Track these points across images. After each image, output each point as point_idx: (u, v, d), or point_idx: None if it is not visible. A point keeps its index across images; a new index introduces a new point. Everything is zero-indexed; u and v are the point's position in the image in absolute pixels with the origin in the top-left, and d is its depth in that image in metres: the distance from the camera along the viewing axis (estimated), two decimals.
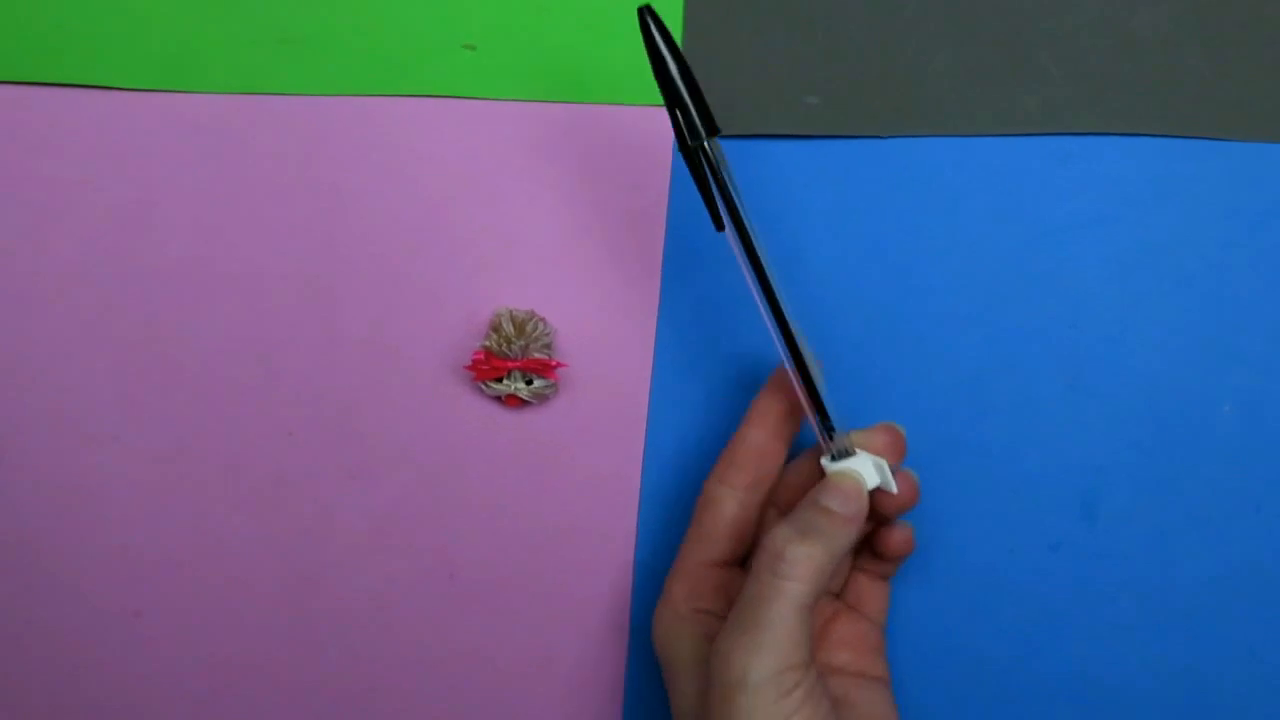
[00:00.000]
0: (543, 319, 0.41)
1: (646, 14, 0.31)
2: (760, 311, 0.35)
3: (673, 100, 0.32)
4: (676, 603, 0.38)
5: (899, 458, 0.37)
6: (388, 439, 0.42)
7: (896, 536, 0.39)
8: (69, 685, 0.44)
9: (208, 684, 0.44)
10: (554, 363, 0.40)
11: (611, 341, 0.42)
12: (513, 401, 0.41)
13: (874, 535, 0.39)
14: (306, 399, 0.43)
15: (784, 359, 0.35)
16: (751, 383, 0.42)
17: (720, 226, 0.33)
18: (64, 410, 0.43)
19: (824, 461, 0.36)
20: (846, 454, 0.36)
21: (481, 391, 0.41)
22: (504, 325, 0.40)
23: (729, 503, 0.38)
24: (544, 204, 0.42)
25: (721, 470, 0.38)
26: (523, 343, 0.40)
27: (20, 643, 0.44)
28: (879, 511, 0.38)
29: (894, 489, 0.36)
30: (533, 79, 0.42)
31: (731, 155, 0.41)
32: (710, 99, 0.41)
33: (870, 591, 0.40)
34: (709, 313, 0.42)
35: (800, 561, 0.33)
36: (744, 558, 0.39)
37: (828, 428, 0.36)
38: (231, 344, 0.43)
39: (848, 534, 0.35)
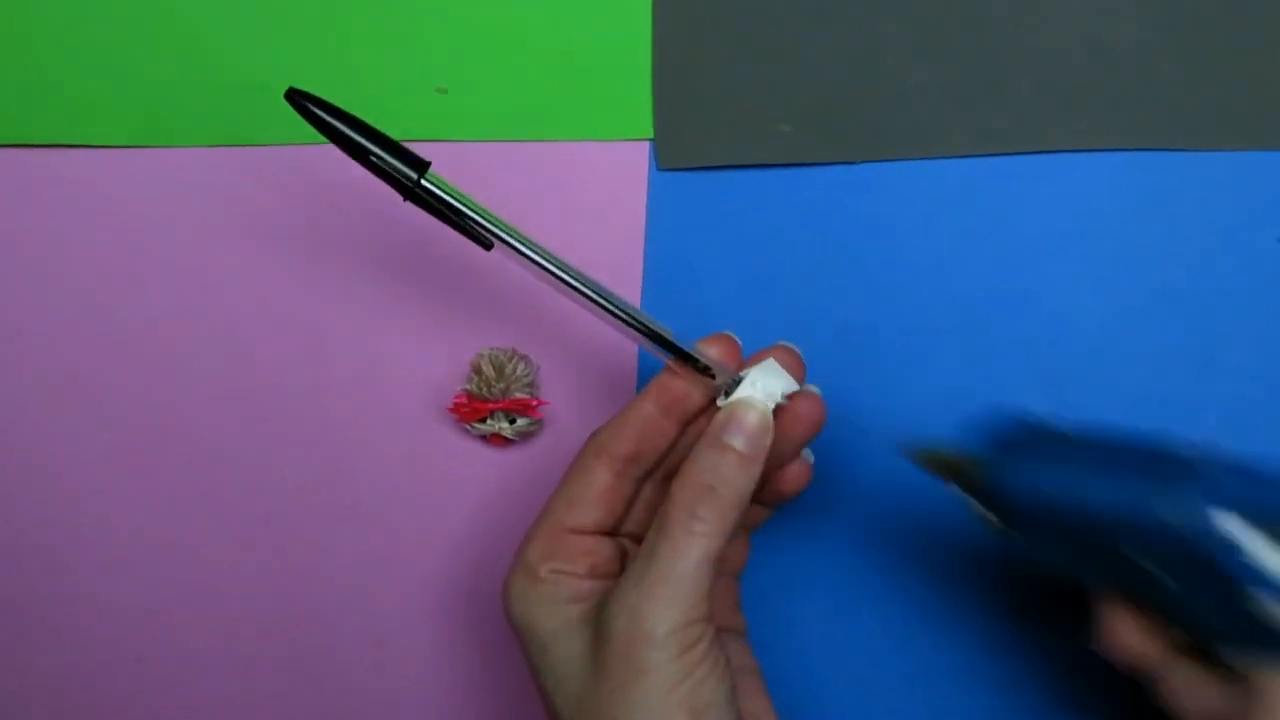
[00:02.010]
0: (524, 357, 0.41)
1: (296, 96, 0.30)
2: (581, 307, 0.34)
3: (367, 159, 0.30)
4: (532, 565, 0.35)
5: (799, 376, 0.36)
6: (377, 480, 0.43)
7: (793, 470, 0.36)
8: None
9: None
10: (535, 401, 0.41)
11: (594, 376, 0.42)
12: (497, 441, 0.41)
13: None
14: (296, 443, 0.43)
15: (621, 328, 0.34)
16: None
17: (488, 246, 0.32)
18: (56, 463, 0.44)
19: (719, 402, 0.35)
20: (736, 384, 0.34)
21: (467, 432, 0.41)
22: (484, 368, 0.40)
23: (602, 471, 0.35)
24: None
25: (603, 437, 0.36)
26: (503, 385, 0.40)
27: (25, 693, 0.44)
28: (776, 445, 0.35)
29: (795, 387, 0.34)
30: (505, 119, 0.42)
31: (704, 187, 0.42)
32: (682, 131, 0.42)
33: (733, 545, 0.38)
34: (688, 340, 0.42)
35: (712, 516, 0.32)
36: (610, 529, 0.36)
37: (702, 369, 0.34)
38: (220, 392, 0.43)
39: (754, 473, 0.33)
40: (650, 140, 0.42)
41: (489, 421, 0.41)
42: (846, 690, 0.42)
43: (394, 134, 0.42)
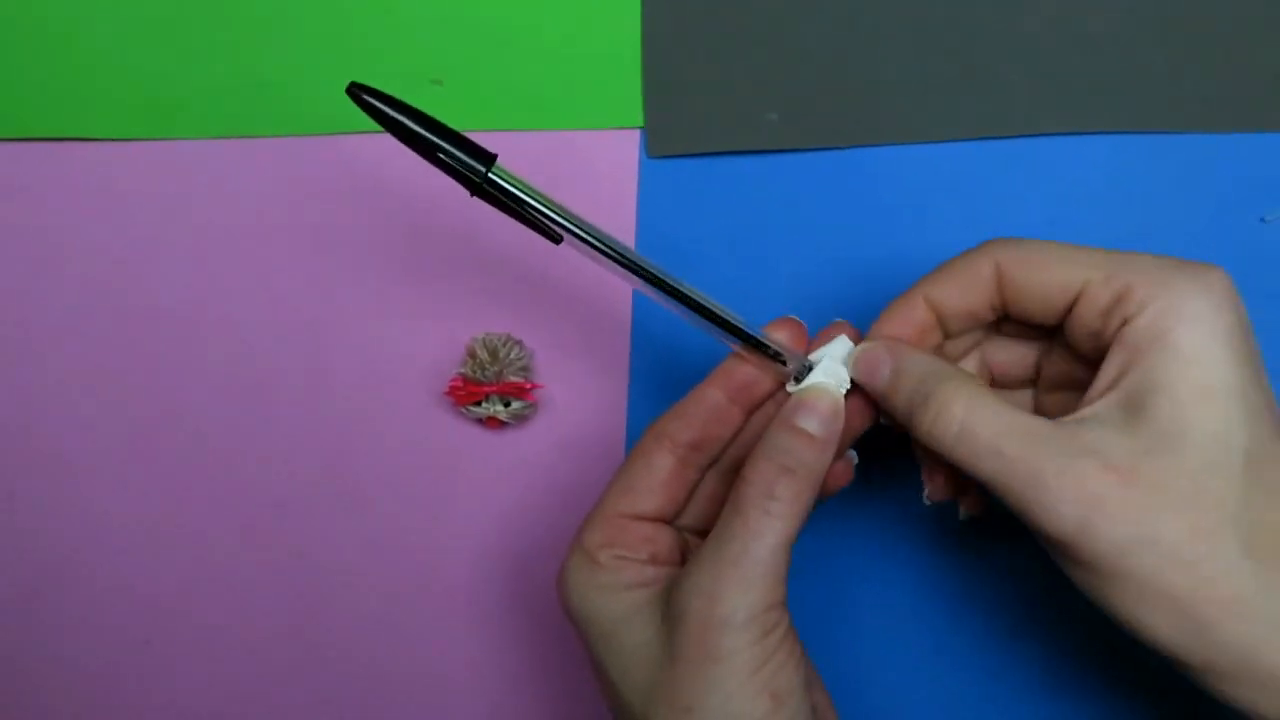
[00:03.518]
0: (519, 342, 0.42)
1: (358, 91, 0.29)
2: (649, 295, 0.33)
3: (434, 155, 0.29)
4: (592, 551, 0.34)
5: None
6: (377, 464, 0.44)
7: (838, 467, 0.36)
8: (87, 713, 0.46)
9: (217, 706, 0.45)
10: (529, 385, 0.42)
11: (588, 360, 0.43)
12: (493, 423, 0.42)
13: None
14: (299, 428, 0.44)
15: (701, 325, 0.34)
16: None
17: (557, 240, 0.32)
18: (68, 453, 0.45)
19: (789, 388, 0.35)
20: (808, 371, 0.34)
21: (463, 414, 0.42)
22: (479, 351, 0.41)
23: (664, 458, 0.35)
24: (516, 229, 0.43)
25: (665, 423, 0.35)
26: (497, 368, 0.41)
27: (37, 674, 0.45)
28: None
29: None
30: (500, 110, 0.43)
31: (694, 174, 0.43)
32: (672, 119, 0.42)
33: None
34: (681, 327, 0.43)
35: (788, 497, 0.32)
36: (669, 518, 0.36)
37: (772, 355, 0.34)
38: (223, 379, 0.44)
39: (827, 458, 0.33)
40: (641, 128, 0.42)
41: (484, 404, 0.42)
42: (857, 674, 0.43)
43: None
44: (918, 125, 0.42)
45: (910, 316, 0.34)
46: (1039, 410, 0.36)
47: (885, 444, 0.37)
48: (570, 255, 0.43)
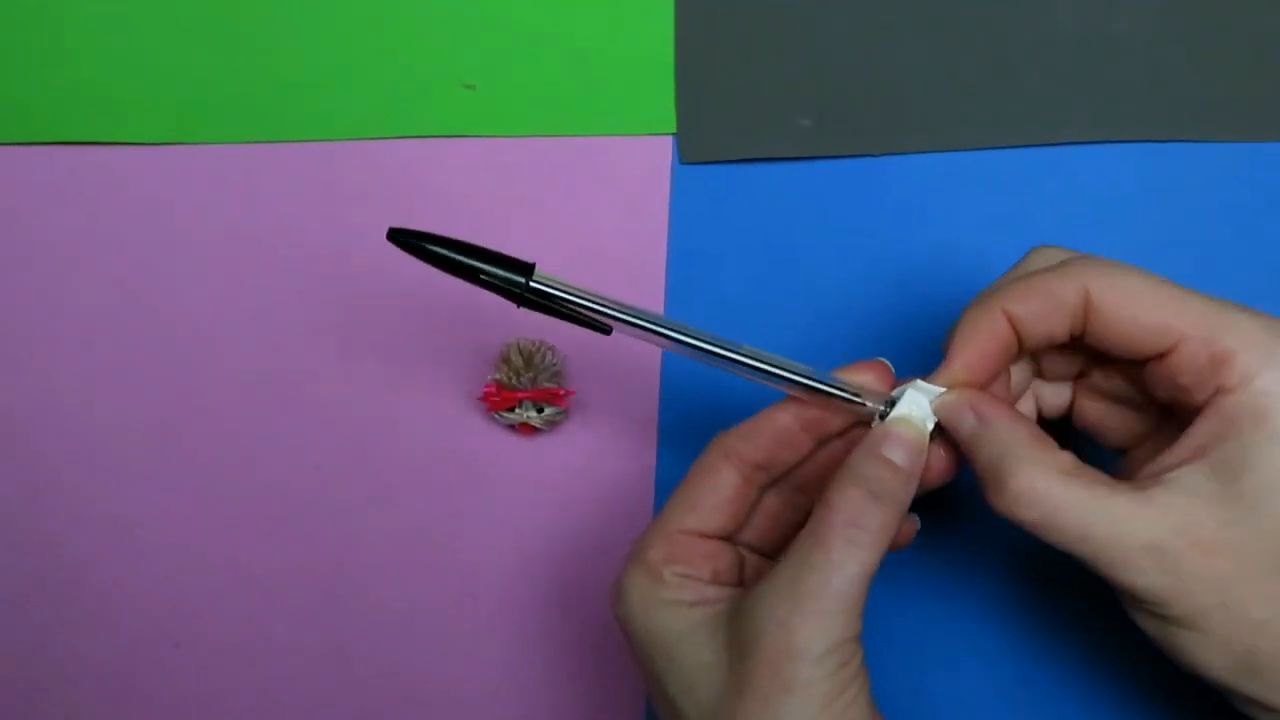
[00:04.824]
0: (551, 348, 0.42)
1: (397, 235, 0.31)
2: (720, 367, 0.34)
3: (477, 278, 0.31)
4: (655, 566, 0.34)
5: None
6: (409, 468, 0.44)
7: (903, 526, 0.34)
8: (114, 714, 0.46)
9: (244, 709, 0.45)
10: (562, 391, 0.42)
11: (620, 365, 0.43)
12: (526, 429, 0.42)
13: None
14: (328, 431, 0.44)
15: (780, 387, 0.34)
16: (759, 399, 0.43)
17: (607, 330, 0.32)
18: (97, 449, 0.45)
19: (875, 425, 0.34)
20: (892, 404, 0.34)
21: (496, 420, 0.42)
22: (513, 357, 0.41)
23: (730, 475, 0.35)
24: (548, 234, 0.43)
25: (733, 441, 0.35)
26: (531, 374, 0.41)
27: (62, 674, 0.45)
28: None
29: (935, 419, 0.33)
30: (531, 115, 0.43)
31: (727, 180, 0.43)
32: (704, 125, 0.42)
33: None
34: (712, 330, 0.43)
35: (874, 526, 0.31)
36: (732, 534, 0.36)
37: (851, 399, 0.33)
38: (252, 382, 0.44)
39: (911, 490, 0.32)
40: (673, 135, 0.43)
41: (517, 410, 0.42)
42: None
43: (423, 129, 0.43)
44: (949, 132, 0.42)
45: (993, 330, 0.33)
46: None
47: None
48: (604, 259, 0.43)
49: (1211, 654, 0.30)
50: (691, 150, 0.43)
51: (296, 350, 0.44)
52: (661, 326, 0.32)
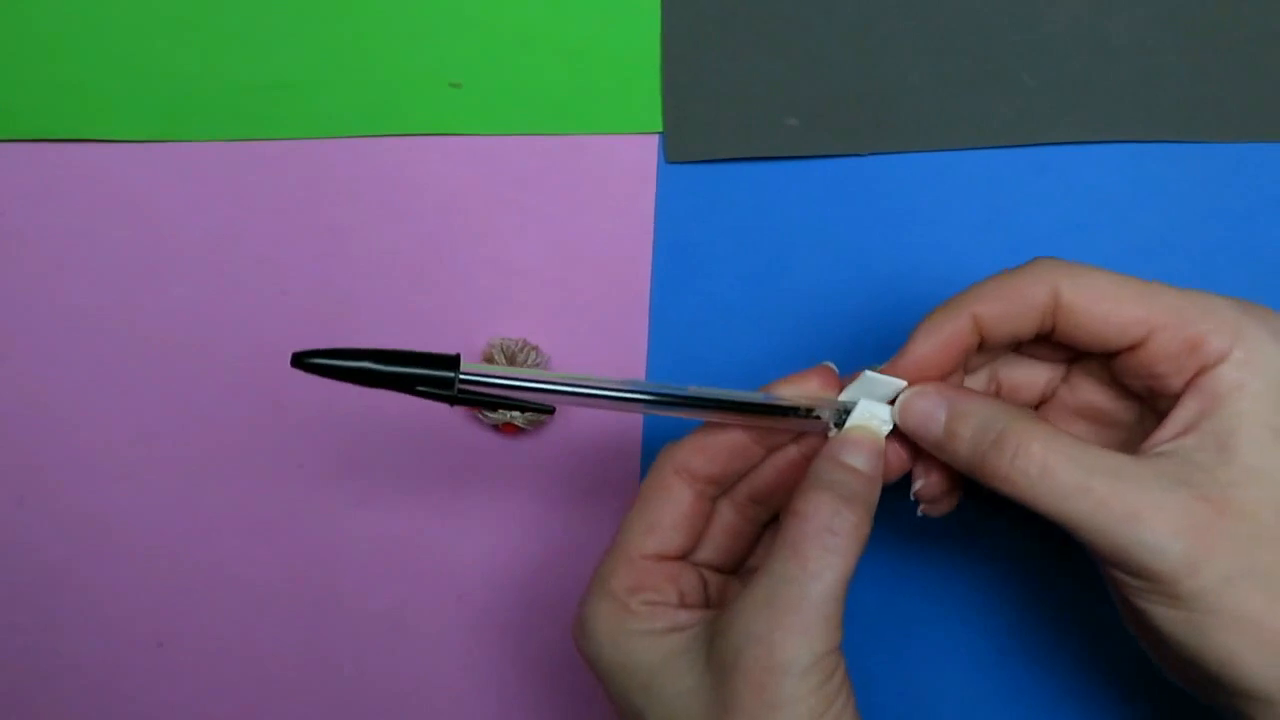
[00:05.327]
0: (535, 347, 0.42)
1: (302, 359, 0.29)
2: (673, 415, 0.33)
3: (403, 384, 0.30)
4: (619, 596, 0.33)
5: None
6: (393, 468, 0.44)
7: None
8: (98, 715, 0.45)
9: (229, 710, 0.45)
10: None
11: (604, 366, 0.43)
12: (509, 429, 0.42)
13: None
14: (313, 430, 0.44)
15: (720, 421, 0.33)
16: None
17: (549, 409, 0.32)
18: (81, 450, 0.44)
19: (830, 435, 0.34)
20: (846, 414, 0.34)
21: (480, 420, 0.42)
22: (496, 357, 0.41)
23: (684, 491, 0.34)
24: (534, 233, 0.43)
25: (684, 455, 0.34)
26: None
27: (46, 676, 0.45)
28: None
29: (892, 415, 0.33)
30: (518, 113, 0.43)
31: (713, 179, 0.42)
32: (691, 124, 0.42)
33: None
34: (698, 333, 0.43)
35: (847, 529, 0.31)
36: (690, 553, 0.35)
37: (806, 415, 0.33)
38: (240, 383, 0.44)
39: (876, 493, 0.32)
40: (660, 133, 0.42)
41: (501, 410, 0.41)
42: None
43: (409, 128, 0.43)
44: (938, 132, 0.42)
45: (957, 332, 0.33)
46: None
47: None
48: (590, 258, 0.43)
49: (1243, 642, 0.28)
50: (678, 149, 0.42)
51: (279, 350, 0.43)
52: (603, 391, 0.32)
